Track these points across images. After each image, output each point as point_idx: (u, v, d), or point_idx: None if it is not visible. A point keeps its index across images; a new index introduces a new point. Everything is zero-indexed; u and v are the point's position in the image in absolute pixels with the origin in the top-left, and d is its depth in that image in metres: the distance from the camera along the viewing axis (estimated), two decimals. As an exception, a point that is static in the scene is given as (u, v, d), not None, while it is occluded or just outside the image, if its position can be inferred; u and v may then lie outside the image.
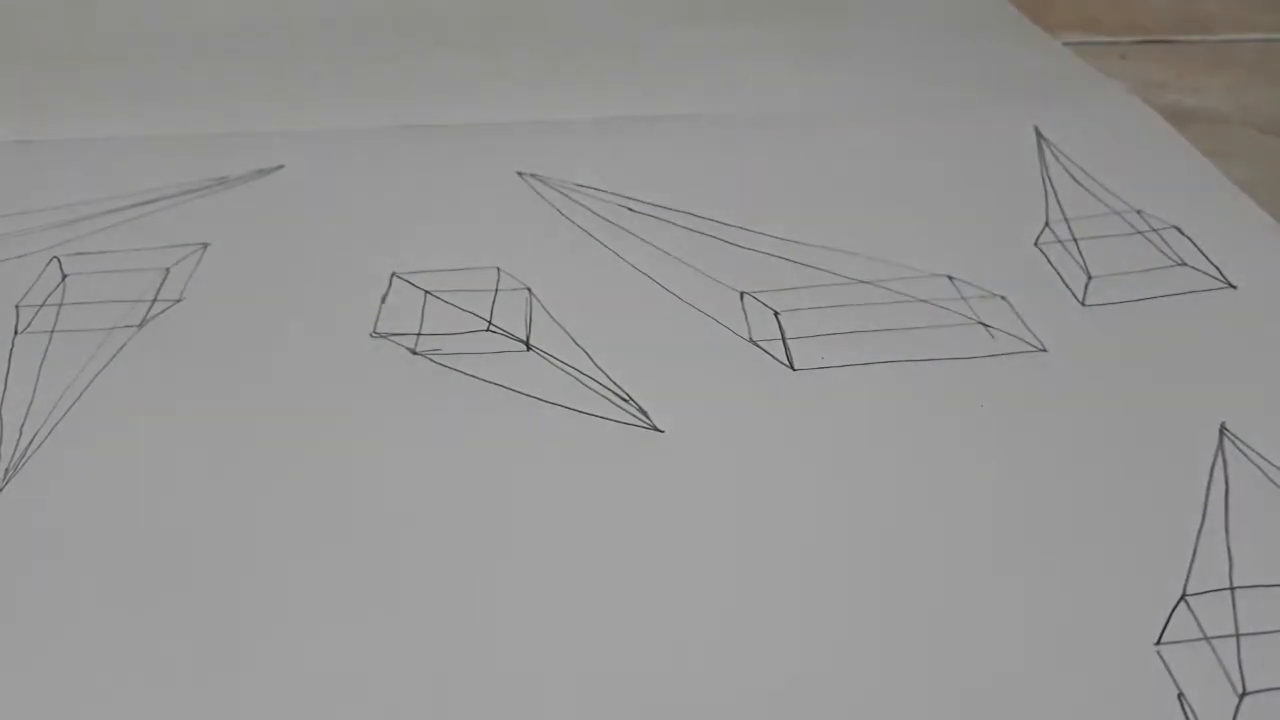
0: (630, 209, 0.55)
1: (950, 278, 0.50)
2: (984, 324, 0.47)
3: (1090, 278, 0.50)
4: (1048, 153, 0.59)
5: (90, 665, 0.33)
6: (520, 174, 0.58)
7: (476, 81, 0.69)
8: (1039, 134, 0.61)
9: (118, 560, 0.37)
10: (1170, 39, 0.83)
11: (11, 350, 0.46)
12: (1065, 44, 0.77)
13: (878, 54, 0.73)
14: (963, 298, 0.49)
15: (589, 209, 0.56)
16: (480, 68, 0.71)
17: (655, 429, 0.42)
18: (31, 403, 0.43)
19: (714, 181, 0.58)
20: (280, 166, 0.59)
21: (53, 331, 0.47)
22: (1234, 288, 0.50)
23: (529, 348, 0.46)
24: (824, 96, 0.67)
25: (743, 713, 0.32)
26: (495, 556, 0.37)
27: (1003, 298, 0.49)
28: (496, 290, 0.49)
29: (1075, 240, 0.52)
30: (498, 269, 0.50)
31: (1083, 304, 0.49)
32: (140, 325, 0.47)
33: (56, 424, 0.42)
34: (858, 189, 0.58)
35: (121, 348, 0.46)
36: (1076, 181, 0.57)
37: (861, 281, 0.50)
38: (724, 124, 0.64)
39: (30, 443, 0.41)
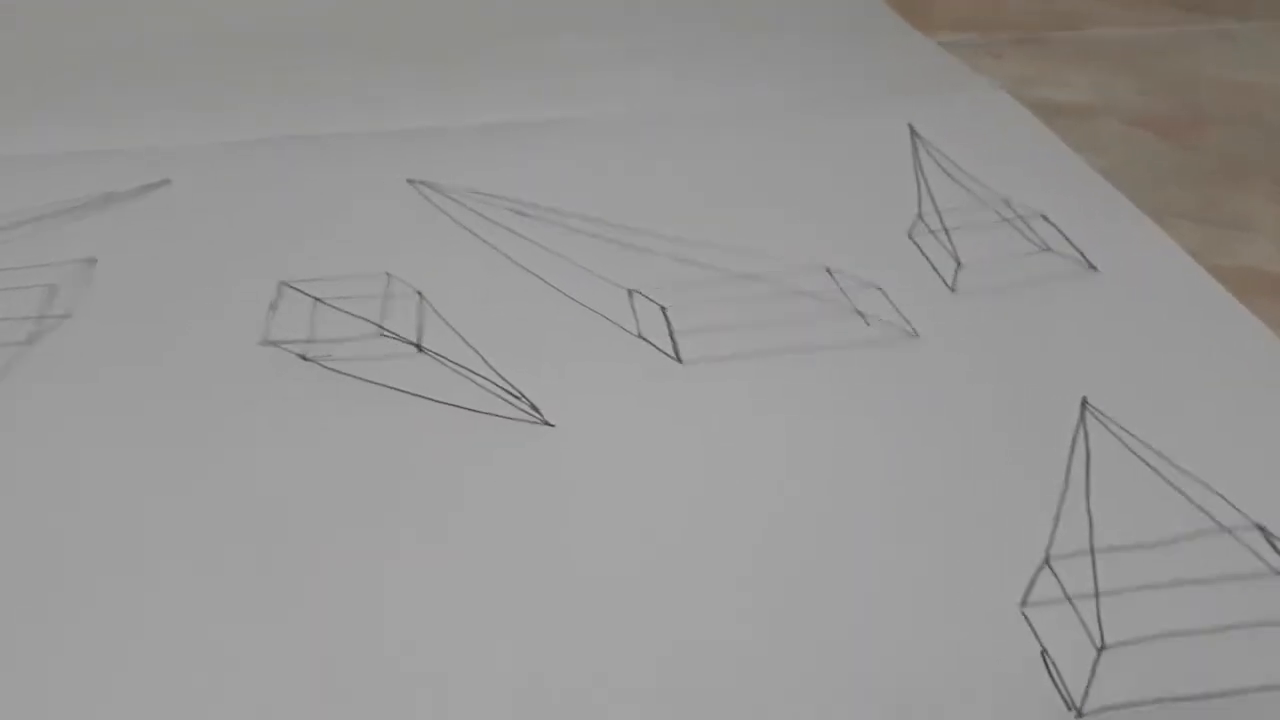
0: (520, 212, 0.56)
1: (828, 270, 0.52)
2: (860, 313, 0.49)
3: (960, 265, 0.52)
4: (920, 148, 0.62)
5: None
6: (410, 181, 0.59)
7: (364, 92, 0.70)
8: (913, 131, 0.63)
9: (11, 569, 0.37)
10: (1040, 37, 0.86)
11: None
12: (940, 44, 0.80)
13: (760, 58, 0.75)
14: (840, 289, 0.51)
15: (479, 213, 0.56)
16: (367, 78, 0.72)
17: (546, 424, 0.43)
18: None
19: (601, 183, 0.60)
20: (167, 181, 0.59)
21: (-64, 352, 0.46)
22: (1096, 270, 0.52)
23: (420, 350, 0.47)
24: (707, 99, 0.69)
25: (640, 684, 0.33)
26: (395, 553, 0.38)
27: (878, 288, 0.51)
28: (386, 295, 0.50)
29: (946, 230, 0.54)
30: (387, 274, 0.51)
31: (953, 290, 0.51)
32: (29, 342, 0.47)
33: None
34: (740, 188, 0.59)
35: (9, 366, 0.46)
36: (947, 174, 0.59)
37: (745, 276, 0.52)
38: (610, 128, 0.65)
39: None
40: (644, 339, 0.48)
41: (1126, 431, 0.43)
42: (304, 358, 0.46)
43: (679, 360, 0.47)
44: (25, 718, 0.32)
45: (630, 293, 0.51)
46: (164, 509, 0.39)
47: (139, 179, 0.59)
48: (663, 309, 0.49)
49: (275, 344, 0.47)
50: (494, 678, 0.34)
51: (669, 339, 0.48)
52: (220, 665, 0.34)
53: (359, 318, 0.48)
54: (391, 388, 0.45)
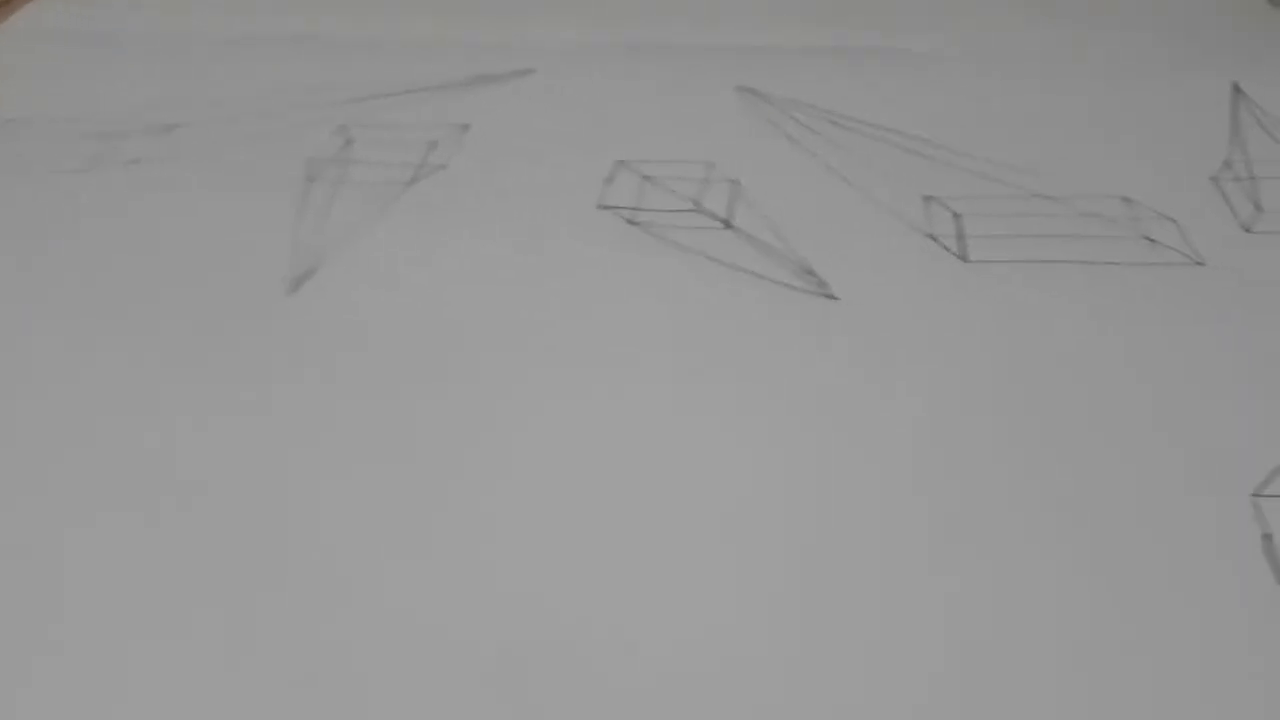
0: (835, 123, 0.61)
1: (1125, 198, 0.54)
2: (1149, 238, 0.51)
3: (1261, 210, 0.53)
4: (1242, 105, 0.62)
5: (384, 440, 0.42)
6: (739, 88, 0.65)
7: (704, 7, 0.76)
8: (1236, 88, 0.64)
9: (376, 368, 0.46)
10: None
11: (305, 194, 0.55)
12: (1271, 3, 0.78)
13: (1092, 7, 0.76)
14: (1133, 217, 0.53)
15: (798, 121, 0.62)
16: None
17: (831, 297, 0.48)
18: (319, 234, 0.52)
19: (919, 105, 0.63)
20: (531, 70, 0.67)
21: (337, 183, 0.56)
22: None
23: (729, 226, 0.53)
24: (1035, 42, 0.71)
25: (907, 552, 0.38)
26: (704, 395, 0.44)
27: (1172, 220, 0.53)
28: (705, 180, 0.56)
29: (1253, 179, 0.55)
30: (709, 163, 0.57)
31: (1248, 231, 0.52)
32: (410, 184, 0.56)
33: (336, 255, 0.51)
34: (1052, 122, 0.62)
35: (395, 199, 0.55)
36: (1265, 130, 0.60)
37: (1042, 196, 0.55)
38: (931, 59, 0.69)
39: (312, 268, 0.50)
40: (933, 238, 0.52)
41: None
42: (631, 222, 0.53)
43: (965, 260, 0.51)
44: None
45: (925, 199, 0.55)
46: (502, 326, 0.47)
47: (508, 66, 0.67)
48: (955, 214, 0.53)
49: (609, 208, 0.54)
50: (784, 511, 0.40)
51: (956, 239, 0.52)
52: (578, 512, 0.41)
53: (681, 195, 0.55)
54: (701, 253, 0.51)
